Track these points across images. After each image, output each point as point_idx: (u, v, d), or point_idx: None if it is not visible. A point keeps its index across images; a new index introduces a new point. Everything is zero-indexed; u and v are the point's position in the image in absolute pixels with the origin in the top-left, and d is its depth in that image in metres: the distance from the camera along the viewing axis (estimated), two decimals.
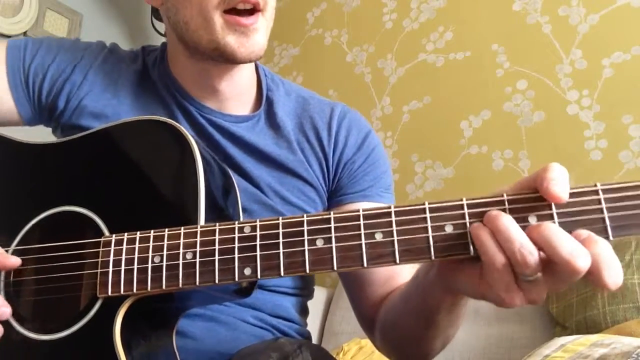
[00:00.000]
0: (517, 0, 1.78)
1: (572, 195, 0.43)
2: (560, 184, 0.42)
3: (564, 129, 1.61)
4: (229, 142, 0.77)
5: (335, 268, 0.47)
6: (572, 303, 1.17)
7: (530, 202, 0.44)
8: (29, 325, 0.57)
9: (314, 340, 1.58)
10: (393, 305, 0.69)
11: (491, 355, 1.28)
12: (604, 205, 0.42)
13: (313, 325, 1.62)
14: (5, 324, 0.57)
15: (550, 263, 0.41)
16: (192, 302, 0.62)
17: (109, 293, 0.54)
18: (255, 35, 0.70)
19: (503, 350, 1.28)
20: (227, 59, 0.71)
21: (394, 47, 2.00)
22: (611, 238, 0.42)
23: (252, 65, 0.81)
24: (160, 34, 2.49)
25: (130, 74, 0.81)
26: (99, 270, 0.55)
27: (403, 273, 0.75)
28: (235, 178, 0.70)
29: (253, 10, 0.70)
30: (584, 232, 0.41)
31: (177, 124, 0.61)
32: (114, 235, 0.56)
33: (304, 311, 0.84)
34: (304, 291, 0.83)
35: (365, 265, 0.46)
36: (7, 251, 0.61)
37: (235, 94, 0.79)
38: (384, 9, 2.05)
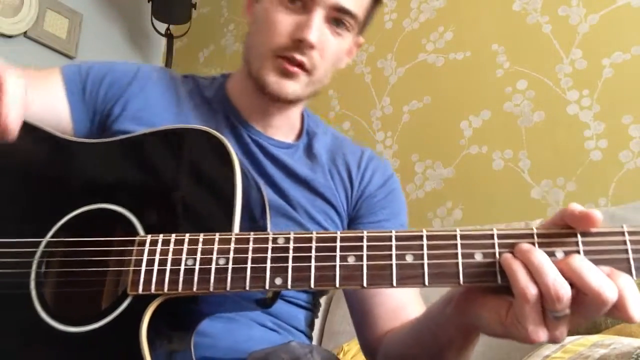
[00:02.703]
0: (517, 0, 1.78)
1: (598, 234, 0.45)
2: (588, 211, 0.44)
3: (564, 129, 1.61)
4: (270, 162, 0.85)
5: (365, 285, 0.48)
6: None
7: (558, 237, 0.46)
8: (57, 316, 0.58)
9: (314, 341, 1.58)
10: (400, 339, 0.71)
11: (492, 355, 1.28)
12: (629, 246, 0.44)
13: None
14: (33, 313, 0.58)
15: (578, 297, 0.42)
16: (216, 308, 0.63)
17: (140, 291, 0.54)
18: (292, 82, 0.80)
19: (503, 351, 1.27)
20: (260, 88, 0.81)
21: (394, 47, 2.00)
22: (634, 278, 0.43)
23: (299, 108, 0.92)
24: (160, 33, 2.49)
25: (185, 91, 0.90)
26: (131, 268, 0.56)
27: (409, 307, 0.78)
28: (271, 195, 0.79)
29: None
30: (606, 268, 0.43)
31: (220, 135, 0.63)
32: (149, 236, 0.57)
33: (312, 325, 0.90)
34: (314, 307, 0.89)
35: (394, 284, 0.47)
36: (40, 242, 0.62)
37: (282, 124, 0.89)
38: (384, 9, 2.05)
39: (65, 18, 2.31)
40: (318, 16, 0.78)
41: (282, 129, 0.90)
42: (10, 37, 2.12)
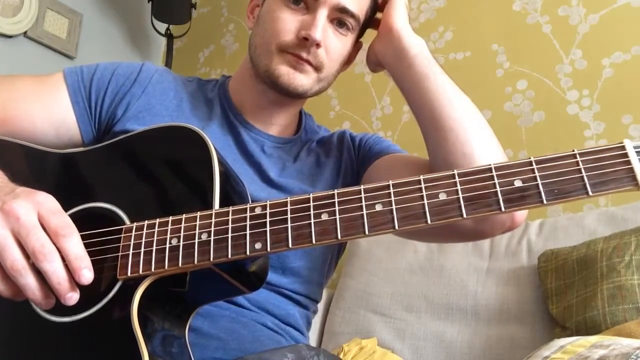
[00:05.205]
0: (517, 0, 1.78)
1: (552, 160, 0.49)
2: None
3: (564, 129, 1.61)
4: (267, 157, 0.88)
5: (339, 237, 0.51)
6: (572, 304, 1.17)
7: (516, 168, 0.49)
8: (53, 310, 0.58)
9: (314, 341, 1.58)
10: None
11: (491, 356, 1.28)
12: (582, 166, 0.48)
13: (313, 325, 1.62)
14: (26, 306, 0.59)
15: None
16: (205, 291, 0.64)
17: (129, 274, 0.56)
18: (302, 75, 0.83)
19: (503, 351, 1.27)
20: (273, 82, 0.83)
21: None
22: (590, 194, 0.46)
23: (300, 105, 0.96)
24: (160, 34, 2.49)
25: (187, 92, 0.92)
26: (120, 254, 0.58)
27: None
28: (268, 190, 0.83)
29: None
30: None
31: (201, 132, 0.65)
32: (135, 224, 0.59)
33: (309, 325, 0.91)
34: (311, 303, 0.90)
35: (367, 232, 0.51)
36: None
37: (282, 122, 0.92)
38: None
39: (65, 18, 2.31)
40: (322, 15, 0.81)
41: (282, 126, 0.93)
42: (10, 37, 2.12)
